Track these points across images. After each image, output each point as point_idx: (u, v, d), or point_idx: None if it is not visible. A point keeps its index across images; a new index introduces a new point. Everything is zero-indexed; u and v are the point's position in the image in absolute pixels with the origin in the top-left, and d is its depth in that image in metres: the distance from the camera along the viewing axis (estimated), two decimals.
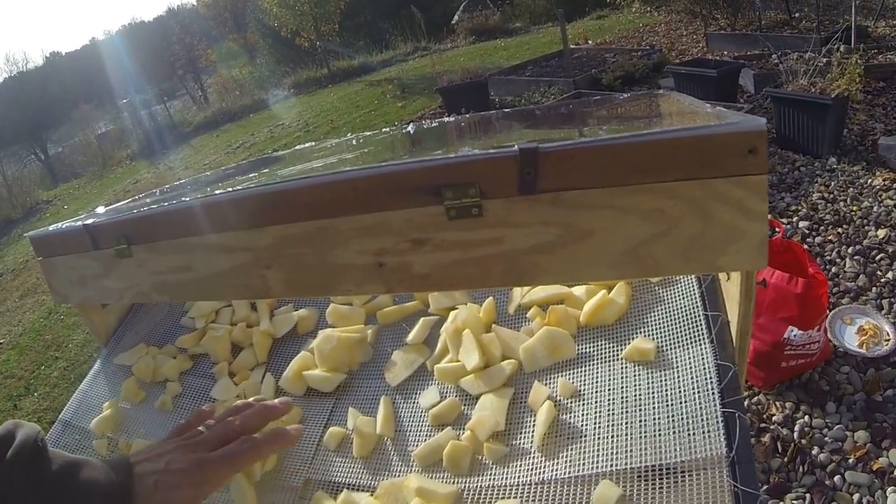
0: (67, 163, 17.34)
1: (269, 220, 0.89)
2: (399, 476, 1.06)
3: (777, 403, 2.92)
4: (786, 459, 2.68)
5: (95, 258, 1.18)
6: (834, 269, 3.70)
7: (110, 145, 15.51)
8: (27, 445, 0.73)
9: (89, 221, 1.16)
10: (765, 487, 2.59)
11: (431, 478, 1.03)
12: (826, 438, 2.72)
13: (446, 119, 1.82)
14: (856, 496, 2.45)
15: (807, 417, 2.83)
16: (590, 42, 9.32)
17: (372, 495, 1.05)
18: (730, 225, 0.69)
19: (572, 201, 0.72)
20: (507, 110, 1.69)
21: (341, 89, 11.40)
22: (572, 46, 7.75)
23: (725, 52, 7.77)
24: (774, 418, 2.87)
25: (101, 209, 1.49)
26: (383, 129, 1.69)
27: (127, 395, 1.48)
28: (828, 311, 3.20)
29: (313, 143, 2.04)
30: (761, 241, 0.69)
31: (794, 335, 2.76)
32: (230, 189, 0.95)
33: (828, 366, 3.03)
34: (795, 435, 2.77)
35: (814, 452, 2.67)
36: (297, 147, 2.10)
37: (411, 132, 1.55)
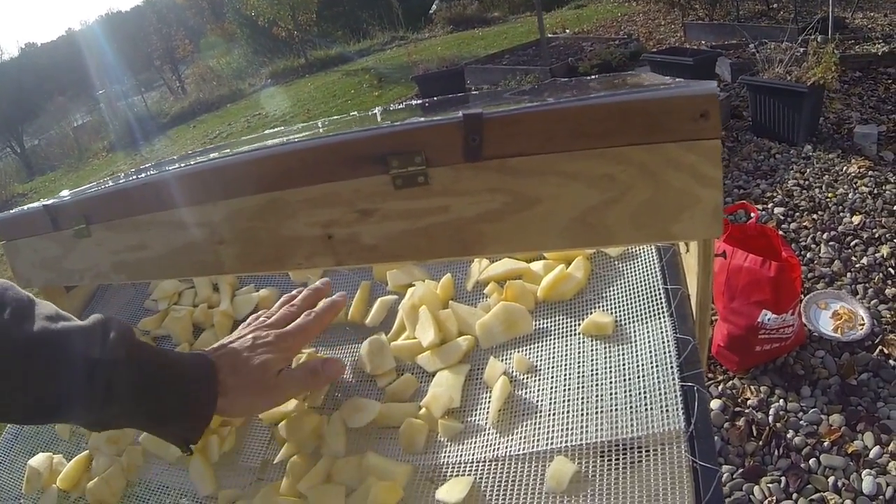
0: (44, 155, 17.15)
1: (220, 194, 0.88)
2: (354, 454, 1.06)
3: (752, 388, 2.94)
4: (760, 443, 2.70)
5: (56, 239, 1.17)
6: (809, 255, 3.73)
7: (87, 137, 15.36)
8: (125, 336, 0.90)
9: (49, 202, 1.15)
10: (740, 471, 2.60)
11: (387, 456, 1.03)
12: (801, 422, 2.74)
13: (413, 102, 1.82)
14: (831, 479, 2.47)
15: (782, 401, 2.86)
16: (567, 31, 9.33)
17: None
18: (682, 191, 0.68)
19: (518, 168, 0.72)
20: (474, 92, 1.69)
21: (318, 79, 11.34)
22: (549, 35, 7.75)
23: (703, 42, 7.80)
24: (749, 402, 2.89)
25: (65, 192, 1.48)
26: (352, 112, 1.69)
27: None
28: (802, 296, 3.22)
29: (281, 128, 2.03)
30: (715, 207, 0.68)
31: (768, 319, 2.78)
32: (183, 165, 0.95)
33: (802, 350, 3.06)
34: (770, 419, 2.79)
35: (789, 436, 2.69)
36: (265, 131, 2.09)
37: (377, 113, 1.54)
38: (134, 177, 1.41)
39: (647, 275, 1.03)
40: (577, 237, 0.74)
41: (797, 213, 4.17)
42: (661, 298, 0.98)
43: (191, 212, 0.93)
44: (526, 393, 0.98)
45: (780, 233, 3.87)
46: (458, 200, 0.75)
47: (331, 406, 1.18)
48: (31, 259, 1.28)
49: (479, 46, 9.52)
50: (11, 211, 1.30)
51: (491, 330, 1.07)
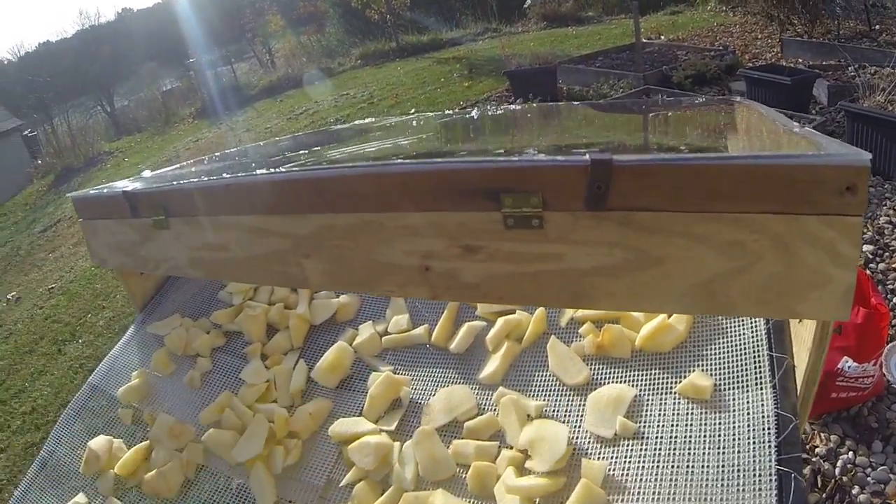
0: (132, 117, 17.58)
1: (312, 207, 0.83)
2: (425, 489, 1.01)
3: (822, 435, 2.80)
4: (824, 496, 2.57)
5: (133, 226, 1.14)
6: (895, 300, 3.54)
7: (174, 102, 15.65)
8: None
9: (129, 188, 1.12)
10: None
11: (457, 495, 0.97)
12: (868, 478, 2.59)
13: (512, 106, 1.75)
14: None
15: (851, 454, 2.71)
16: (662, 37, 9.06)
17: None
18: (815, 269, 0.61)
19: (644, 223, 0.64)
20: (575, 104, 1.61)
21: (409, 64, 11.25)
22: (644, 40, 7.53)
23: (800, 60, 7.49)
24: (817, 450, 2.75)
25: (146, 173, 1.46)
26: (446, 112, 1.64)
27: (157, 365, 1.45)
28: (886, 345, 3.06)
29: (373, 119, 1.98)
30: (847, 290, 0.61)
31: (849, 367, 2.64)
32: (273, 170, 0.89)
33: (879, 402, 2.89)
34: (837, 471, 2.65)
35: (854, 492, 2.55)
36: (356, 122, 2.04)
37: (475, 118, 1.48)
38: (218, 163, 1.38)
39: (753, 338, 0.94)
40: (696, 304, 0.67)
41: (887, 253, 3.96)
42: (764, 366, 0.90)
43: (277, 220, 0.88)
44: (616, 452, 0.91)
45: (868, 273, 3.68)
46: (574, 250, 0.68)
47: (405, 431, 1.13)
48: (107, 241, 1.26)
49: (573, 45, 9.32)
50: (90, 191, 1.28)
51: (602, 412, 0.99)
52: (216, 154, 1.64)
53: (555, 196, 0.66)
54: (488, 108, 1.79)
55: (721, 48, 7.64)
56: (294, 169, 0.86)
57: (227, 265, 1.00)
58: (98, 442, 1.35)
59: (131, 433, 1.39)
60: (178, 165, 1.54)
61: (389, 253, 0.78)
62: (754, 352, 0.92)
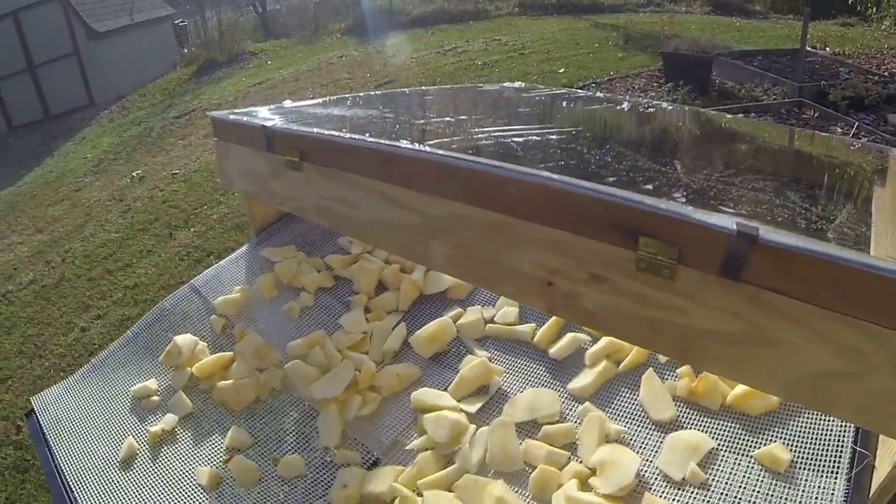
0: (282, 21, 17.88)
1: (450, 193, 0.86)
2: (485, 475, 1.04)
3: None
4: None
5: (267, 160, 1.19)
6: None
7: (325, 14, 15.77)
8: None
9: (268, 124, 1.16)
10: None
11: (516, 492, 1.00)
12: None
13: (665, 105, 1.71)
14: None
15: None
16: (827, 49, 8.49)
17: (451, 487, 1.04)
18: None
19: (771, 305, 0.64)
20: (728, 117, 1.57)
21: (565, 22, 10.96)
22: (808, 48, 7.12)
23: None
24: None
25: (288, 103, 1.50)
26: (597, 93, 1.63)
27: (261, 287, 1.52)
28: None
29: (522, 85, 1.95)
30: None
31: None
32: (416, 146, 0.91)
33: None
34: None
35: None
36: (505, 84, 2.01)
37: (627, 113, 1.45)
38: (361, 108, 1.40)
39: (841, 426, 0.93)
40: (796, 393, 0.67)
41: None
42: (845, 457, 0.88)
43: (412, 195, 0.91)
44: (679, 496, 0.92)
45: None
46: (696, 309, 0.69)
47: (484, 418, 1.16)
48: (238, 166, 1.32)
49: (734, 38, 8.85)
50: (230, 115, 1.32)
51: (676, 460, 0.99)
52: (360, 96, 1.68)
53: (692, 253, 0.67)
54: (641, 102, 1.76)
55: (887, 75, 7.13)
56: (438, 151, 0.87)
57: (353, 223, 1.04)
58: (184, 339, 1.44)
59: (217, 342, 1.47)
60: (321, 101, 1.57)
61: (517, 258, 0.80)
62: (839, 440, 0.91)
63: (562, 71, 7.46)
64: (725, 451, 0.96)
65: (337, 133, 1.05)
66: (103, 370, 1.47)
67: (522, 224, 0.79)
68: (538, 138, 1.11)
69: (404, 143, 0.93)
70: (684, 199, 0.73)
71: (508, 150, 0.99)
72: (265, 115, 1.33)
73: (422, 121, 1.39)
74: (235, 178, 1.35)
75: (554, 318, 1.26)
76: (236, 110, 1.40)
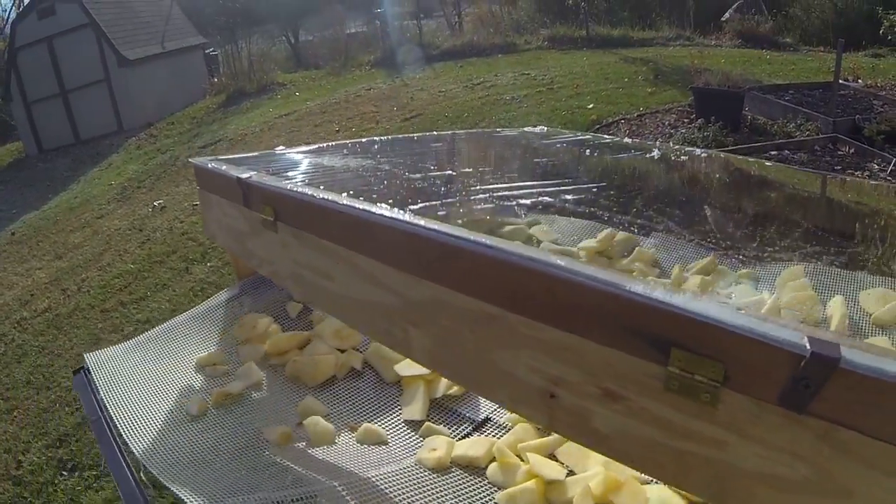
0: (312, 52, 18.11)
1: (430, 274, 0.69)
2: None
3: None
4: None
5: (245, 215, 1.04)
6: None
7: (356, 46, 15.87)
8: None
9: (244, 175, 1.01)
10: None
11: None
12: None
13: (698, 152, 1.55)
14: None
15: None
16: (860, 81, 8.25)
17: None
18: None
19: (848, 445, 0.47)
20: (769, 164, 1.41)
21: (595, 56, 10.84)
22: (840, 82, 6.92)
23: None
24: None
25: (280, 149, 1.38)
26: (624, 140, 1.50)
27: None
28: None
29: (544, 129, 1.79)
30: None
31: None
32: (392, 211, 0.75)
33: None
34: None
35: None
36: (526, 129, 1.86)
37: (658, 162, 1.31)
38: (355, 159, 1.26)
39: None
40: None
41: None
42: None
43: (388, 273, 0.74)
44: None
45: None
46: (744, 444, 0.51)
47: None
48: (219, 218, 1.17)
49: (764, 71, 8.68)
50: (211, 163, 1.19)
51: None
52: (360, 143, 1.53)
53: (742, 373, 0.50)
54: (672, 148, 1.61)
55: None
56: (416, 220, 0.71)
57: (329, 297, 0.88)
58: (260, 316, 1.36)
59: (291, 327, 1.39)
60: (316, 147, 1.43)
61: (511, 361, 0.63)
62: None
63: (591, 106, 7.33)
64: None
65: (310, 191, 0.89)
66: (165, 338, 1.38)
67: (518, 320, 0.61)
68: (550, 199, 0.94)
69: (379, 207, 0.76)
70: (730, 300, 0.56)
71: (511, 215, 0.82)
72: (249, 164, 1.19)
73: (418, 175, 1.24)
74: (217, 232, 1.22)
75: None
76: (221, 157, 1.29)
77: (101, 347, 1.36)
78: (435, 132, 1.90)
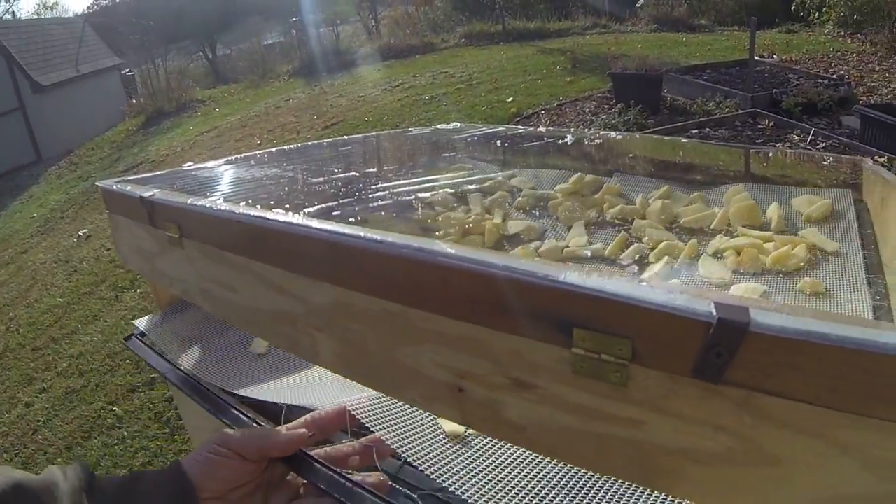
0: (230, 67, 17.85)
1: (328, 276, 0.65)
2: None
3: None
4: None
5: (153, 234, 0.99)
6: None
7: (274, 57, 15.71)
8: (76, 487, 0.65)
9: (147, 194, 0.96)
10: None
11: None
12: None
13: (613, 134, 1.58)
14: None
15: None
16: (775, 57, 8.51)
17: None
18: None
19: (770, 412, 0.44)
20: (683, 141, 1.44)
21: (512, 50, 10.93)
22: (756, 58, 7.11)
23: None
24: None
25: (189, 164, 1.32)
26: (539, 127, 1.53)
27: None
28: None
29: (457, 125, 1.77)
30: None
31: None
32: (287, 216, 0.71)
33: None
34: None
35: None
36: (438, 126, 1.84)
37: (568, 143, 1.33)
38: (264, 168, 1.21)
39: None
40: None
41: None
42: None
43: (288, 279, 0.70)
44: None
45: None
46: (662, 421, 0.48)
47: None
48: (129, 242, 1.11)
49: (681, 53, 8.87)
50: (116, 185, 1.12)
51: None
52: (270, 153, 1.47)
53: (651, 348, 0.47)
54: (586, 133, 1.63)
55: (836, 78, 7.15)
56: (310, 222, 0.67)
57: (235, 309, 0.84)
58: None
59: None
60: (224, 161, 1.37)
61: (415, 358, 0.60)
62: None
63: (510, 100, 7.39)
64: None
65: (209, 203, 0.85)
66: None
67: (418, 315, 0.58)
68: (451, 190, 0.91)
69: (274, 213, 0.72)
70: (635, 270, 0.53)
71: (406, 210, 0.78)
72: (156, 182, 1.14)
73: (321, 178, 1.20)
74: (129, 255, 1.16)
75: (617, 239, 1.29)
76: (128, 177, 1.22)
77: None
78: (345, 137, 1.87)
